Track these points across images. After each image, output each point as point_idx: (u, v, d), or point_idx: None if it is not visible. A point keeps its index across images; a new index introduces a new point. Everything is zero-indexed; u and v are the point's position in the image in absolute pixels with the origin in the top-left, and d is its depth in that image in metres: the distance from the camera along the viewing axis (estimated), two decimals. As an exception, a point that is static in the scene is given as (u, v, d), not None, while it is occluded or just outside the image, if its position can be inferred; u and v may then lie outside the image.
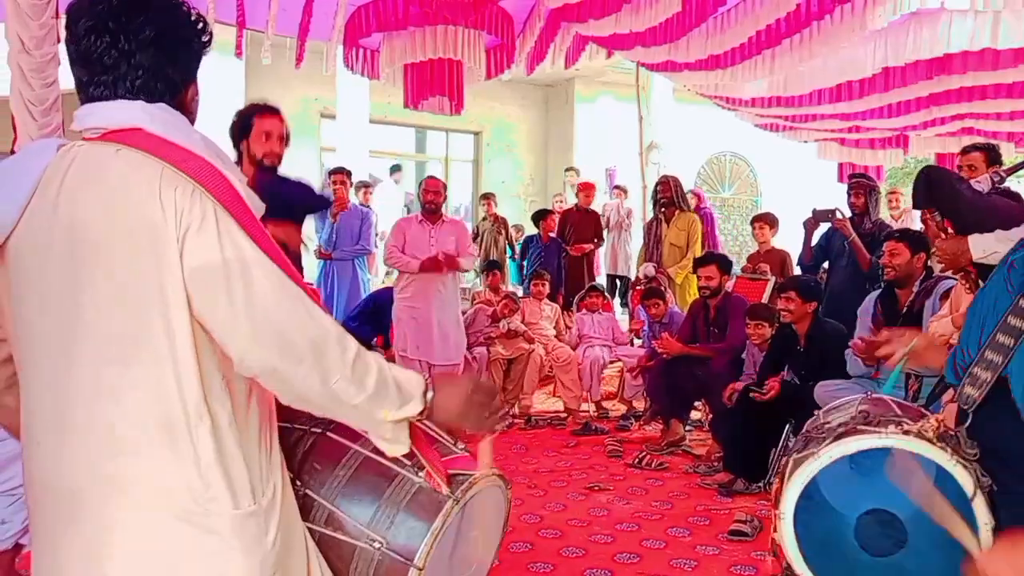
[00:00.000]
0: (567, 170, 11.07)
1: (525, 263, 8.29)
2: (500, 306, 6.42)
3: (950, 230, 2.63)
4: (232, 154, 3.45)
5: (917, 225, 7.40)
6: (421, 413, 1.35)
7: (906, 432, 1.67)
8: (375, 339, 6.23)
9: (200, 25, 1.33)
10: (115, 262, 1.18)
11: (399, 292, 5.64)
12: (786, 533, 1.76)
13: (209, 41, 1.36)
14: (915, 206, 3.32)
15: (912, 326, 3.82)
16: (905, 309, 3.95)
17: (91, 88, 1.27)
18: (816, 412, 2.14)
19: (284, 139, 3.47)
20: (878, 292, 4.28)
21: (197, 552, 1.22)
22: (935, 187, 2.70)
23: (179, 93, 1.33)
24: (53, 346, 1.21)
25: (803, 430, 2.05)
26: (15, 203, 1.22)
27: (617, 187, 10.77)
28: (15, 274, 1.25)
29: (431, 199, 5.65)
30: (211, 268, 1.18)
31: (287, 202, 3.32)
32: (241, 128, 3.43)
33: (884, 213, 7.60)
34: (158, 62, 1.28)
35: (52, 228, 1.21)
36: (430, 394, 1.35)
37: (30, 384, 1.26)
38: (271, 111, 3.46)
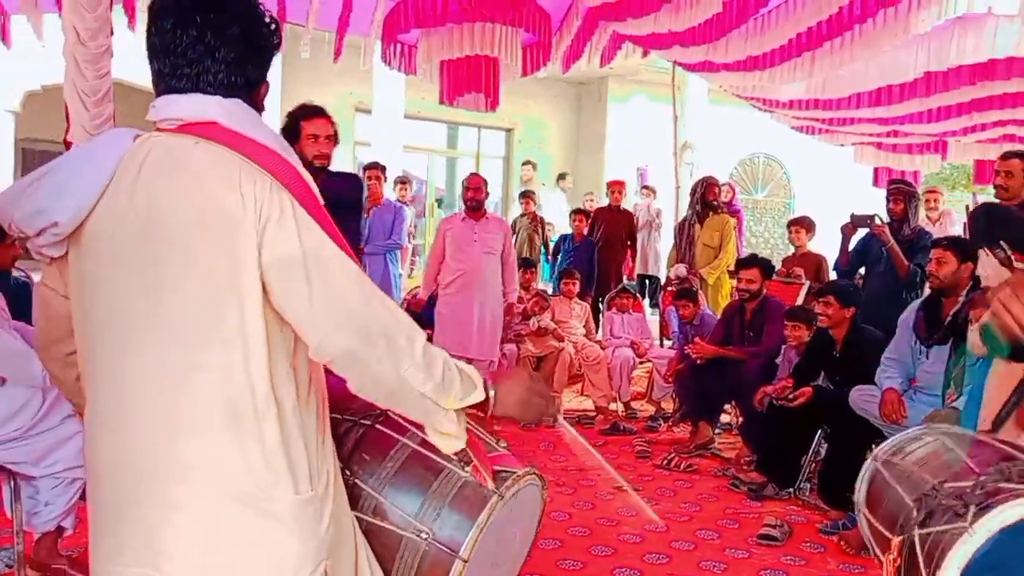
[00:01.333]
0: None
1: (557, 261, 8.29)
2: (530, 303, 6.44)
3: (1020, 263, 2.60)
4: None
5: (955, 227, 7.30)
6: (483, 404, 1.38)
7: None
8: None
9: (274, 26, 1.38)
10: (192, 250, 1.22)
11: (443, 288, 5.69)
12: None
13: (280, 42, 1.41)
14: (974, 245, 3.26)
15: (954, 338, 3.77)
16: (949, 319, 3.88)
17: (172, 80, 1.31)
18: (875, 454, 1.87)
19: (332, 138, 3.57)
20: (921, 300, 4.21)
21: (257, 536, 1.26)
22: (998, 222, 2.66)
23: (254, 90, 1.37)
24: (126, 329, 1.25)
25: (884, 479, 1.76)
26: (92, 190, 1.26)
27: (646, 187, 10.73)
28: (89, 259, 1.29)
29: (472, 196, 5.70)
30: (291, 259, 1.23)
31: (339, 197, 3.42)
32: (290, 133, 3.52)
33: (921, 215, 7.48)
34: (240, 59, 1.32)
35: (128, 215, 1.25)
36: (490, 388, 1.38)
37: (97, 366, 1.29)
38: (317, 113, 3.56)
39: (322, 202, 1.33)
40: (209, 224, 1.22)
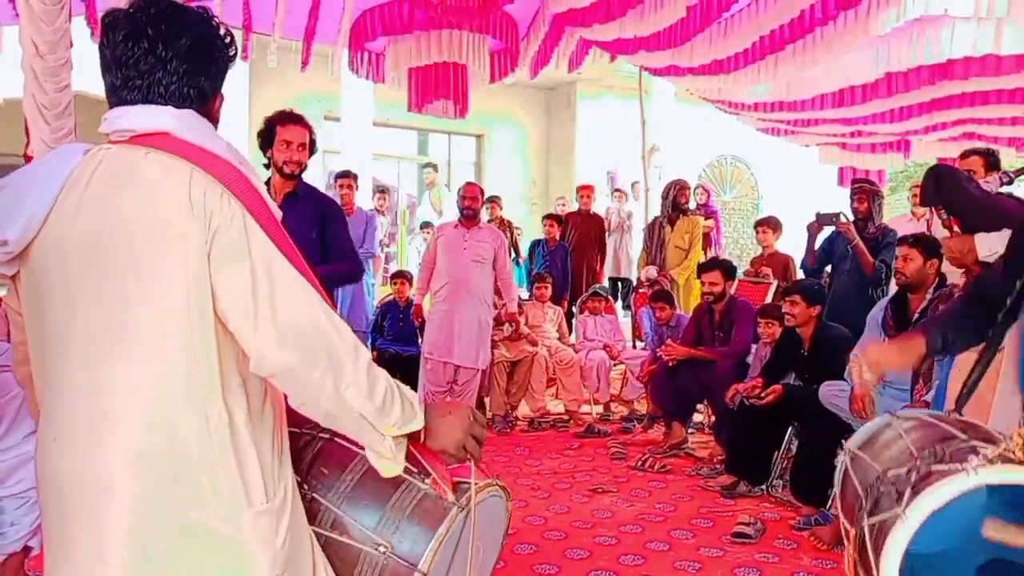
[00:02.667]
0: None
1: (533, 266, 8.31)
2: (503, 309, 6.44)
3: (956, 228, 2.65)
4: (262, 160, 3.60)
5: (935, 223, 7.39)
6: (418, 434, 1.38)
7: (992, 461, 1.40)
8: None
9: (228, 39, 1.39)
10: (142, 260, 1.22)
11: (433, 294, 5.76)
12: None
13: (236, 54, 1.41)
14: (922, 203, 3.32)
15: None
16: (916, 316, 3.94)
17: (123, 92, 1.31)
18: (846, 449, 1.88)
19: (307, 146, 3.56)
20: (888, 298, 4.27)
21: (211, 550, 1.25)
22: (944, 185, 2.71)
23: (207, 101, 1.37)
24: (76, 342, 1.24)
25: (848, 473, 1.78)
26: (39, 206, 1.26)
27: (617, 190, 10.79)
28: (39, 274, 1.28)
29: (469, 205, 5.75)
30: (238, 269, 1.23)
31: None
32: (266, 137, 3.55)
33: (905, 209, 7.55)
34: (191, 71, 1.32)
35: (77, 228, 1.24)
36: (430, 418, 1.39)
37: (49, 380, 1.29)
38: (293, 119, 3.56)
39: (277, 215, 1.33)
40: (159, 234, 1.22)
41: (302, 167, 3.59)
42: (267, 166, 3.62)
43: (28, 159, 3.63)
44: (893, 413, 1.91)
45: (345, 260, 3.68)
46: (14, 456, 2.82)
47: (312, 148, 3.60)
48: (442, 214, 10.06)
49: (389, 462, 1.35)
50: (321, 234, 3.61)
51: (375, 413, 1.30)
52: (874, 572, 1.48)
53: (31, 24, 3.54)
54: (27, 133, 3.66)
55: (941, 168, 2.96)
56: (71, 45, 3.67)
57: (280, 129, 3.52)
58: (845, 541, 1.79)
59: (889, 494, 1.52)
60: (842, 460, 1.92)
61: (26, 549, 2.92)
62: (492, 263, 5.76)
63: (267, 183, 3.66)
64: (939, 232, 4.17)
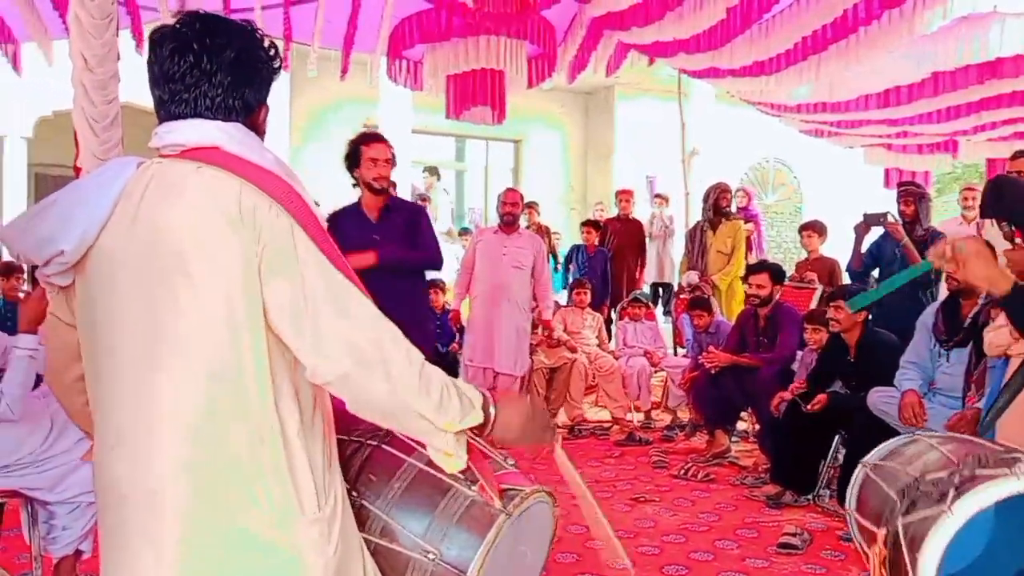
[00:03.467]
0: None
1: (570, 272, 8.29)
2: (536, 315, 6.41)
3: (1019, 240, 2.57)
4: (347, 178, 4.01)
5: (991, 228, 7.15)
6: (483, 427, 1.38)
7: None
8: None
9: (272, 51, 1.40)
10: (195, 274, 1.23)
11: (473, 300, 5.79)
12: None
13: (280, 66, 1.42)
14: (982, 215, 3.25)
15: (974, 340, 3.72)
16: (968, 321, 3.84)
17: (171, 106, 1.33)
18: (863, 463, 1.92)
19: (391, 161, 3.91)
20: (940, 302, 4.17)
21: (264, 559, 1.26)
22: (1008, 196, 2.64)
23: (253, 113, 1.39)
24: (133, 353, 1.26)
25: (871, 480, 1.82)
26: (95, 218, 1.28)
27: (658, 195, 10.72)
28: (95, 285, 1.30)
29: (509, 211, 5.78)
30: (290, 281, 1.24)
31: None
32: (352, 158, 3.89)
33: (955, 212, 7.35)
34: (236, 83, 1.33)
35: (131, 241, 1.26)
36: (491, 409, 1.38)
37: (103, 391, 1.30)
38: (376, 139, 3.94)
39: (325, 226, 1.34)
40: (210, 247, 1.23)
41: (389, 180, 3.93)
42: (355, 185, 3.99)
43: (77, 170, 3.72)
44: (912, 433, 1.99)
45: (427, 249, 4.12)
46: (64, 463, 2.89)
47: (394, 162, 3.95)
48: (437, 219, 10.04)
49: (453, 458, 1.36)
50: (412, 236, 4.07)
51: (434, 411, 1.30)
52: (908, 569, 1.52)
53: (80, 38, 3.62)
54: (76, 145, 3.74)
55: (1003, 179, 2.89)
56: (119, 58, 3.75)
57: (365, 148, 3.84)
58: (864, 545, 1.84)
59: (929, 495, 1.56)
60: (860, 471, 1.98)
61: (77, 553, 2.99)
62: (531, 269, 5.75)
63: (358, 204, 4.01)
64: (990, 236, 4.05)
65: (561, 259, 9.20)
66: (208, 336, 1.23)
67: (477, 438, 1.45)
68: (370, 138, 3.91)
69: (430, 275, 5.53)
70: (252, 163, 1.29)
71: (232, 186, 1.25)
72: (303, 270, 1.24)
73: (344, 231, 3.89)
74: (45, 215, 1.31)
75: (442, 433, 1.33)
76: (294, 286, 1.24)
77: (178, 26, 1.32)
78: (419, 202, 8.69)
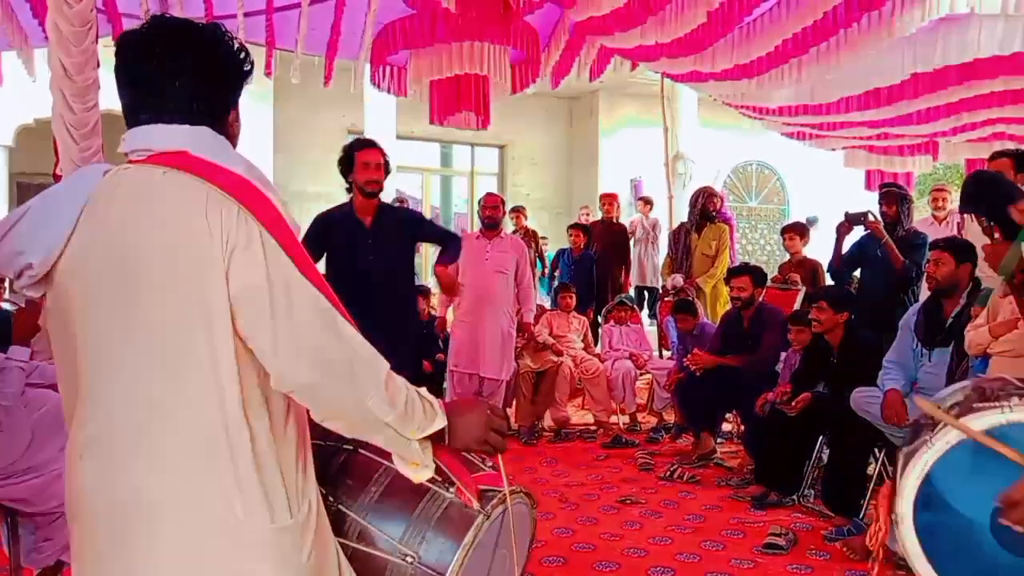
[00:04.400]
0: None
1: (557, 276, 8.29)
2: (519, 318, 6.41)
3: (997, 235, 2.60)
4: (341, 182, 4.20)
5: (971, 224, 7.20)
6: (442, 432, 1.37)
7: None
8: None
9: (242, 54, 1.38)
10: (162, 281, 1.22)
11: (456, 307, 5.79)
12: (908, 538, 1.51)
13: (251, 69, 1.40)
14: (962, 209, 3.27)
15: (956, 340, 3.75)
16: (950, 321, 3.87)
17: (139, 111, 1.32)
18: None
19: (383, 166, 4.08)
20: (922, 302, 4.20)
21: (235, 567, 1.24)
22: (987, 191, 2.66)
23: (222, 117, 1.37)
24: (100, 362, 1.25)
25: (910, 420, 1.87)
26: (61, 229, 1.27)
27: (642, 199, 10.75)
28: (62, 296, 1.29)
29: (489, 214, 5.84)
30: (256, 287, 1.22)
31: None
32: (346, 163, 4.08)
33: (926, 213, 7.41)
34: (203, 86, 1.32)
35: (98, 249, 1.25)
36: (449, 417, 1.37)
37: (75, 399, 1.29)
38: (369, 144, 4.15)
39: (295, 231, 1.32)
40: (177, 253, 1.22)
41: (381, 186, 4.08)
42: (348, 190, 4.16)
43: (58, 178, 3.69)
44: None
45: (450, 238, 4.44)
46: (47, 472, 2.86)
47: (387, 168, 4.12)
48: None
49: (418, 467, 1.35)
50: (413, 237, 4.38)
51: (399, 420, 1.29)
52: (895, 497, 1.54)
53: (59, 46, 3.59)
54: (56, 152, 3.72)
55: (982, 174, 2.91)
56: (98, 65, 3.73)
57: (358, 154, 4.04)
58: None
59: (929, 426, 1.56)
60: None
61: (59, 564, 2.96)
62: (514, 273, 5.76)
63: (350, 206, 4.15)
64: (971, 233, 4.09)
65: (548, 263, 9.21)
66: (175, 343, 1.22)
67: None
68: (363, 144, 4.11)
69: (421, 277, 5.55)
70: (220, 167, 1.28)
71: (198, 190, 1.24)
72: (270, 277, 1.22)
73: (337, 233, 4.07)
74: (16, 227, 1.30)
75: (407, 441, 1.32)
76: (261, 293, 1.22)
77: (142, 30, 1.32)
78: (396, 204, 8.62)
